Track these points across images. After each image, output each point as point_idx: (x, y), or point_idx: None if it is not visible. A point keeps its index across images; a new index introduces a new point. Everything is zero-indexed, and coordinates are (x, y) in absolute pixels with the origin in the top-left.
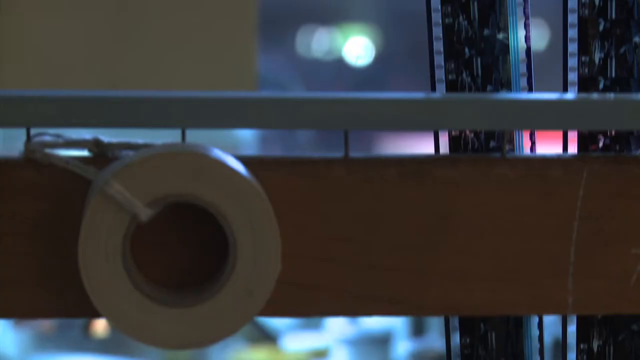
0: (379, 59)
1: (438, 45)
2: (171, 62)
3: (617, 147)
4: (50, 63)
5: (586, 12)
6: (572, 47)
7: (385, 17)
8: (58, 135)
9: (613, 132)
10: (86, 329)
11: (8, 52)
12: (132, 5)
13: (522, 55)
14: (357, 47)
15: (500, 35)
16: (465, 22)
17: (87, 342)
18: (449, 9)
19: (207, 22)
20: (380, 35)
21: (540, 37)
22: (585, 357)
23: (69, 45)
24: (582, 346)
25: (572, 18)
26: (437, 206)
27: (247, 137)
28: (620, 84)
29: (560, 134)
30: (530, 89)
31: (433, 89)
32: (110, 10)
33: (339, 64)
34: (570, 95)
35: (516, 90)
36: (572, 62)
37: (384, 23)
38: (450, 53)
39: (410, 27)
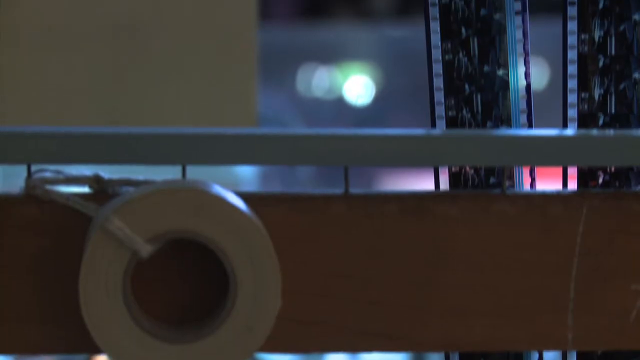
0: (380, 98)
1: (438, 82)
2: (171, 98)
3: (617, 184)
4: (50, 99)
5: (586, 48)
6: (572, 84)
7: (385, 55)
8: (58, 172)
9: (613, 169)
10: None
11: (8, 88)
12: (133, 42)
13: (522, 91)
14: (358, 86)
15: (500, 72)
16: (465, 59)
17: None
18: (449, 45)
19: (208, 59)
20: (380, 73)
21: (540, 75)
22: None
23: (69, 81)
24: None
25: (572, 54)
26: (437, 242)
27: (247, 174)
28: (620, 120)
29: (560, 170)
30: (530, 126)
31: (433, 125)
32: (110, 46)
33: (340, 103)
34: (570, 131)
35: (516, 127)
36: (572, 98)
37: (384, 61)
38: (450, 89)
39: (411, 65)
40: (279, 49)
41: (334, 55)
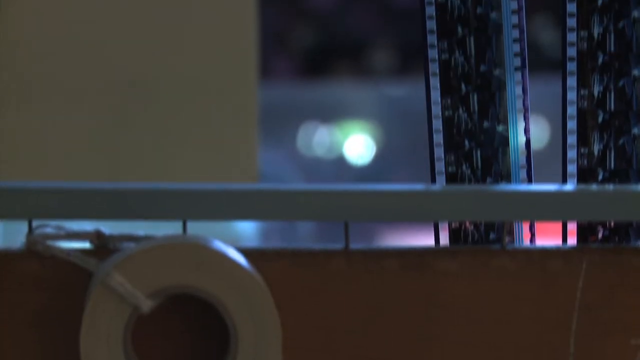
0: (380, 156)
1: (438, 138)
2: (172, 155)
3: (617, 239)
4: (51, 154)
5: (585, 104)
6: (572, 139)
7: (385, 114)
8: (59, 227)
9: (612, 224)
10: None
11: (9, 143)
12: (134, 98)
13: (522, 147)
14: (358, 145)
15: (500, 128)
16: (465, 115)
17: None
18: (449, 101)
19: (209, 116)
20: (380, 132)
21: (541, 134)
22: None
23: (70, 137)
24: None
25: (571, 110)
26: (437, 297)
27: (247, 230)
28: (619, 176)
29: (559, 226)
30: (530, 181)
31: (433, 180)
32: (111, 102)
33: (340, 162)
34: (570, 186)
35: (516, 182)
36: (572, 153)
37: (384, 120)
38: (450, 145)
39: (411, 124)
40: (279, 107)
41: (334, 114)
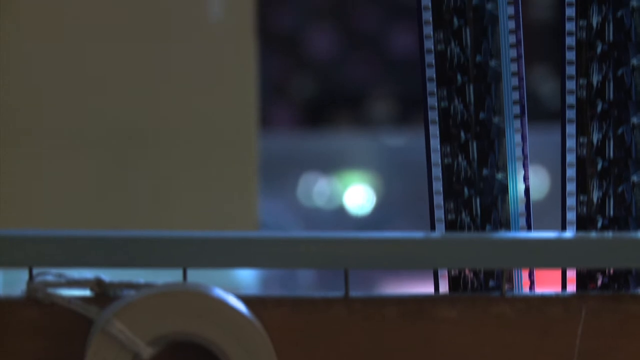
0: (380, 206)
1: (437, 185)
2: (172, 203)
3: (616, 286)
4: (51, 202)
5: (584, 151)
6: (571, 187)
7: (385, 164)
8: (60, 275)
9: (611, 271)
10: None
11: (8, 191)
12: (134, 146)
13: (521, 194)
14: (358, 195)
15: (499, 175)
16: (464, 162)
17: None
18: (448, 149)
19: (209, 165)
20: (380, 182)
21: (540, 184)
22: None
23: (71, 184)
24: None
25: (571, 157)
26: (437, 345)
27: (247, 279)
28: (618, 223)
29: (559, 273)
30: (529, 229)
31: (432, 228)
32: (112, 150)
33: (340, 212)
34: (569, 234)
35: (515, 230)
36: (571, 201)
37: (384, 170)
38: (450, 193)
39: (411, 174)
40: (280, 157)
41: (334, 164)
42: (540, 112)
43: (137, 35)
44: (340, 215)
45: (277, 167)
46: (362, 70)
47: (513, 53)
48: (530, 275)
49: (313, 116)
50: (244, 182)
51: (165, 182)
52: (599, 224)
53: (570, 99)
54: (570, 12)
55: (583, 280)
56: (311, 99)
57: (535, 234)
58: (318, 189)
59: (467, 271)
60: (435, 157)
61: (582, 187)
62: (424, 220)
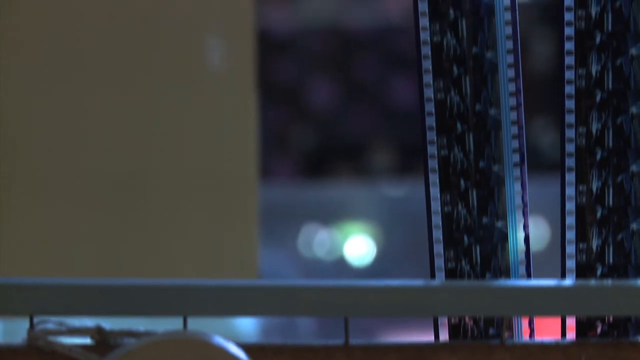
0: (380, 257)
1: (437, 234)
2: (172, 253)
3: (615, 334)
4: (51, 249)
5: (584, 199)
6: (570, 235)
7: (385, 215)
8: (61, 323)
9: (611, 319)
10: None
11: (8, 239)
12: (134, 193)
13: (521, 243)
14: (358, 246)
15: (499, 224)
16: (464, 211)
17: None
18: (448, 197)
19: (210, 216)
20: (380, 233)
21: (541, 235)
22: None
23: (70, 232)
24: None
25: (570, 205)
26: None
27: (248, 327)
28: (618, 271)
29: (558, 321)
30: (529, 277)
31: (433, 276)
32: (112, 198)
33: (340, 263)
34: (568, 281)
35: (515, 278)
36: (570, 249)
37: (384, 221)
38: (450, 241)
39: (411, 224)
40: (280, 208)
41: (334, 215)
42: (541, 163)
43: (137, 83)
44: (340, 266)
45: (278, 217)
46: (362, 121)
47: (513, 101)
48: (530, 323)
49: (313, 167)
50: (244, 232)
51: (166, 230)
52: (599, 272)
53: (570, 147)
54: (569, 60)
55: (583, 328)
56: (311, 149)
57: (534, 282)
58: (318, 239)
59: (467, 319)
60: (435, 206)
61: (582, 235)
62: (424, 270)
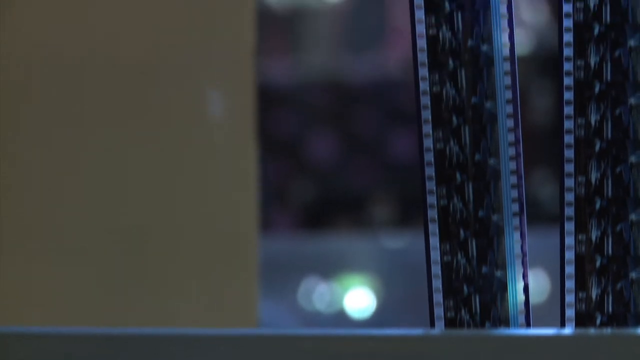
0: (380, 310)
1: (437, 283)
2: (171, 305)
3: None
4: (53, 301)
5: (583, 248)
6: (570, 284)
7: (386, 267)
8: None
9: None
10: None
11: (10, 290)
12: (134, 246)
13: (521, 292)
14: (358, 299)
15: (499, 273)
16: (464, 260)
17: None
18: (448, 247)
19: (209, 269)
20: (381, 285)
21: (540, 287)
22: None
23: (70, 283)
24: None
25: (569, 255)
26: None
27: None
28: (617, 320)
29: None
30: (528, 326)
31: (432, 326)
32: (111, 251)
33: (340, 316)
34: (568, 330)
35: (515, 327)
36: (570, 298)
37: (384, 273)
38: (449, 291)
39: (411, 276)
40: (280, 261)
41: (334, 268)
42: (540, 215)
43: (135, 135)
44: (340, 319)
45: (278, 270)
46: (362, 174)
47: (512, 151)
48: None
49: (313, 219)
50: (244, 285)
51: (164, 281)
52: (598, 321)
53: (569, 196)
54: (568, 110)
55: None
56: (311, 202)
57: (534, 331)
58: (318, 292)
59: None
60: (435, 255)
61: (581, 284)
62: (425, 322)
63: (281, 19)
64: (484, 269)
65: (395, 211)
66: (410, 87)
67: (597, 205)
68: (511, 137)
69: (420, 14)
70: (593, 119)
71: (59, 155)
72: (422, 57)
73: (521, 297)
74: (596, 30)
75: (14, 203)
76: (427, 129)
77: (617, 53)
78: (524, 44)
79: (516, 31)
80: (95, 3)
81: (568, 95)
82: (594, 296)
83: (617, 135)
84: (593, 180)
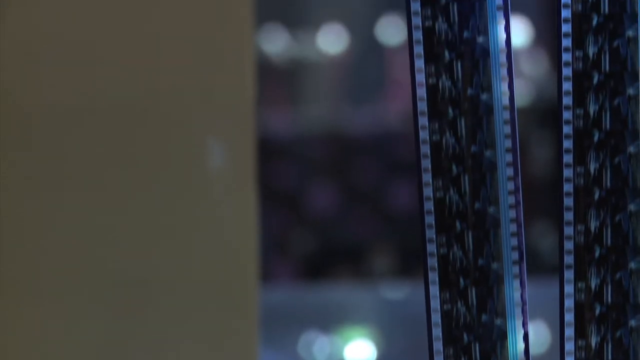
0: None
1: (437, 332)
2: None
3: None
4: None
5: (582, 296)
6: (569, 331)
7: (386, 318)
8: None
9: None
10: None
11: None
12: (134, 297)
13: (520, 341)
14: (359, 351)
15: (498, 321)
16: (464, 308)
17: None
18: (447, 295)
19: (209, 320)
20: (381, 337)
21: (540, 339)
22: None
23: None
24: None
25: (569, 302)
26: None
27: None
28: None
29: None
30: None
31: None
32: (110, 301)
33: None
34: None
35: None
36: (569, 346)
37: (385, 325)
38: (449, 339)
39: (412, 327)
40: (280, 312)
41: (334, 319)
42: (540, 267)
43: (135, 186)
44: None
45: (278, 322)
46: (362, 225)
47: (511, 199)
48: None
49: (313, 270)
50: (244, 336)
51: (164, 331)
52: None
53: (568, 245)
54: (567, 159)
55: None
56: (311, 253)
57: None
58: (318, 345)
59: None
60: (435, 304)
61: (581, 332)
62: None
63: (281, 71)
64: (484, 317)
65: (395, 262)
66: (409, 138)
67: (597, 254)
68: (511, 186)
69: (420, 63)
70: (592, 167)
71: (56, 207)
72: (422, 106)
73: (521, 345)
74: (595, 80)
75: (12, 256)
76: (427, 177)
77: (616, 101)
78: (523, 95)
79: (516, 81)
80: (96, 52)
81: (567, 144)
82: (593, 344)
83: (616, 184)
84: (592, 228)
